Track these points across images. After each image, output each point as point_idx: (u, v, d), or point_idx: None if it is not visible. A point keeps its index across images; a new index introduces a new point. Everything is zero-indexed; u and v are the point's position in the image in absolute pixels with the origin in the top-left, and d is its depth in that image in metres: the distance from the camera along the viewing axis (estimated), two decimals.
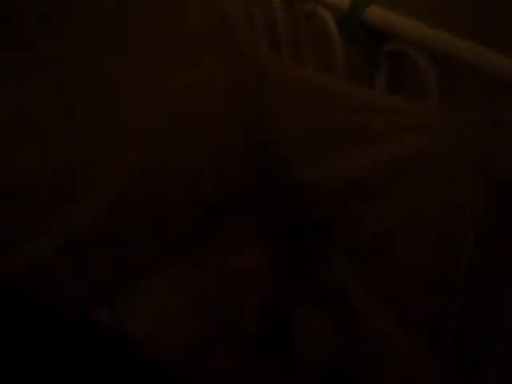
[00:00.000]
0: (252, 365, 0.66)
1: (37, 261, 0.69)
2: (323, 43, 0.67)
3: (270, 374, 0.65)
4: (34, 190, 0.66)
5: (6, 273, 0.64)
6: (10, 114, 0.61)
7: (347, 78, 0.67)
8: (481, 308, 0.50)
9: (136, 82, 0.69)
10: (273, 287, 0.76)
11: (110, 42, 0.65)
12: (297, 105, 0.70)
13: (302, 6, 0.70)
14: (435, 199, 0.54)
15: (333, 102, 0.64)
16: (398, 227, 0.61)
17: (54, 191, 0.68)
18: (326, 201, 0.77)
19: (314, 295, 0.75)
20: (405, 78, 0.61)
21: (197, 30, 0.72)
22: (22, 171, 0.65)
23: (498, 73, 0.45)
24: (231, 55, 0.76)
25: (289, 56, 0.78)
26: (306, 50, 0.74)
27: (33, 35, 0.59)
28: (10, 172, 0.63)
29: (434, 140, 0.52)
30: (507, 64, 0.44)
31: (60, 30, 0.61)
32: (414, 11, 0.54)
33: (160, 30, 0.70)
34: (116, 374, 0.52)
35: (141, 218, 0.80)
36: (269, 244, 0.80)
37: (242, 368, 0.65)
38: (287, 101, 0.73)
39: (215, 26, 0.74)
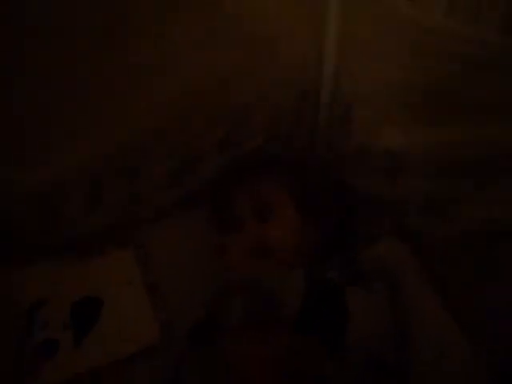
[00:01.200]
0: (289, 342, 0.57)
1: (60, 177, 0.68)
2: None
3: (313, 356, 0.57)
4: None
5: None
6: None
7: None
8: None
9: None
10: (312, 261, 0.68)
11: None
12: None
13: None
14: None
15: None
16: None
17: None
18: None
19: (359, 272, 0.68)
20: None
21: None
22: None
23: None
24: None
25: None
26: None
27: None
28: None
29: None
30: None
31: None
32: None
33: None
34: None
35: (172, 154, 0.76)
36: (308, 215, 0.71)
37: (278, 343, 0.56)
38: None
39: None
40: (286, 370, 0.53)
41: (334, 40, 0.73)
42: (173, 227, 0.86)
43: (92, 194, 0.76)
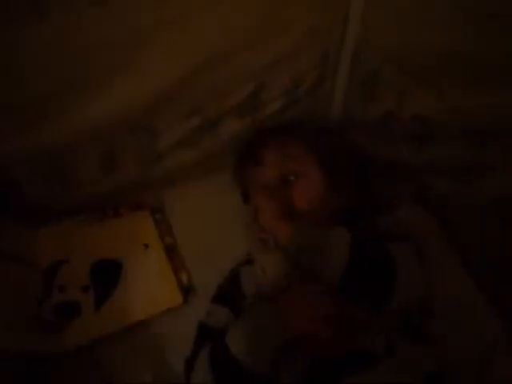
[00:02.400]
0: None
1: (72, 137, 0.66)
2: None
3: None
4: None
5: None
6: None
7: None
8: None
9: None
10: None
11: None
12: None
13: None
14: None
15: None
16: None
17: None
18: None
19: (385, 235, 0.68)
20: None
21: None
22: None
23: None
24: None
25: None
26: None
27: None
28: None
29: None
30: None
31: None
32: None
33: None
34: None
35: (190, 114, 0.73)
36: (333, 179, 0.70)
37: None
38: None
39: None
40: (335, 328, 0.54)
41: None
42: (190, 190, 0.85)
43: (106, 155, 0.74)
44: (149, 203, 0.83)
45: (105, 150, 0.73)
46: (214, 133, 0.80)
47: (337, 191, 0.70)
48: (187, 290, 0.76)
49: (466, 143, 0.66)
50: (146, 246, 0.77)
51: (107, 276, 0.74)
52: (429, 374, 0.57)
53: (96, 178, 0.75)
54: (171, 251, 0.79)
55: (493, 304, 0.66)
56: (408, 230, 0.71)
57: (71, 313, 0.70)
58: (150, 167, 0.79)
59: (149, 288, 0.73)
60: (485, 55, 0.56)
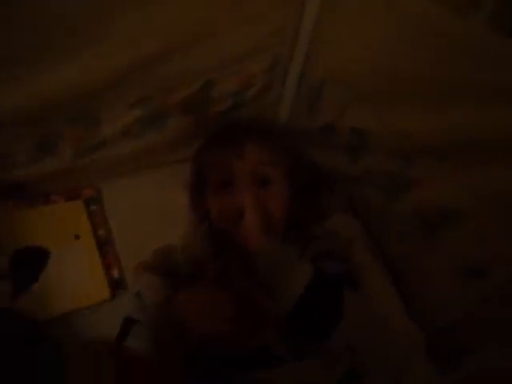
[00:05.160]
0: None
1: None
2: None
3: None
4: None
5: None
6: None
7: None
8: None
9: None
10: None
11: None
12: None
13: None
14: None
15: None
16: None
17: None
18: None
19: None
20: None
21: None
22: None
23: None
24: None
25: None
26: None
27: None
28: None
29: None
30: None
31: None
32: None
33: None
34: None
35: (135, 104, 0.72)
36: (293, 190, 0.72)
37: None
38: None
39: None
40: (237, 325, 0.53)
41: (314, 14, 0.73)
42: (130, 183, 0.83)
43: (42, 137, 0.71)
44: (86, 194, 0.80)
45: (42, 132, 0.70)
46: (157, 126, 0.79)
47: (294, 201, 0.72)
48: (117, 285, 0.73)
49: (397, 158, 0.70)
50: (77, 236, 0.75)
51: (29, 264, 0.70)
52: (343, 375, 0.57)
53: (29, 160, 0.72)
54: (104, 244, 0.76)
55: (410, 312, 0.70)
56: (338, 238, 0.73)
57: None
58: (89, 155, 0.76)
59: (75, 280, 0.70)
60: (427, 77, 0.59)
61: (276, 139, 0.77)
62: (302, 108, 0.84)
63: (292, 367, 0.55)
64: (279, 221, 0.69)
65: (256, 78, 0.81)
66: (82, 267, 0.72)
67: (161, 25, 0.63)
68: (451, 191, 0.62)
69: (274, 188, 0.70)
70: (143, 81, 0.70)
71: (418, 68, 0.59)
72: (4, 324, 0.50)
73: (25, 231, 0.72)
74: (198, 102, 0.79)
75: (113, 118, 0.73)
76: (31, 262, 0.70)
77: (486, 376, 0.58)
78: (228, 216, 0.65)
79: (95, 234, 0.76)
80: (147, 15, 0.61)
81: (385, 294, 0.68)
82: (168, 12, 0.62)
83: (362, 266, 0.70)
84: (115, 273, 0.75)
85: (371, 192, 0.77)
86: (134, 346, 0.55)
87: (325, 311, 0.57)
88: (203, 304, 0.54)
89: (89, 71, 0.64)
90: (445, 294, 0.66)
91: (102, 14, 0.58)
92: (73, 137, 0.73)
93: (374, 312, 0.63)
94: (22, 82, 0.61)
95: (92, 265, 0.73)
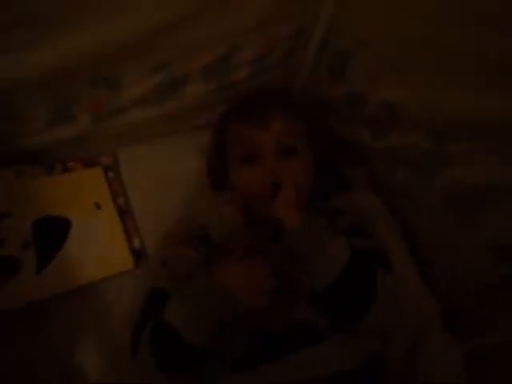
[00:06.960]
0: None
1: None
2: None
3: None
4: None
5: None
6: None
7: None
8: None
9: None
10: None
11: None
12: None
13: None
14: None
15: None
16: None
17: None
18: None
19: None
20: None
21: None
22: None
23: None
24: None
25: None
26: None
27: None
28: None
29: None
30: None
31: None
32: None
33: None
34: None
35: (155, 70, 0.70)
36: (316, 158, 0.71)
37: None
38: None
39: None
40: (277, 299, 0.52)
41: None
42: (147, 150, 0.81)
43: (60, 102, 0.68)
44: (103, 161, 0.78)
45: (59, 97, 0.67)
46: (178, 93, 0.76)
47: (317, 174, 0.71)
48: (139, 255, 0.73)
49: (426, 135, 0.68)
50: (98, 205, 0.73)
51: (51, 234, 0.69)
52: (373, 354, 0.59)
53: (46, 126, 0.69)
54: (124, 213, 0.75)
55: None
56: (360, 214, 0.72)
57: (9, 269, 0.65)
58: (108, 121, 0.74)
59: (98, 250, 0.70)
60: (465, 52, 0.57)
61: (300, 110, 0.75)
62: (323, 77, 0.82)
63: (330, 344, 0.56)
64: (305, 193, 0.68)
65: (279, 44, 0.78)
66: (104, 237, 0.71)
67: None
68: (488, 170, 0.61)
69: (300, 159, 0.69)
70: (166, 46, 0.67)
71: (456, 42, 0.57)
72: None
73: (44, 200, 0.70)
74: (219, 68, 0.76)
75: (133, 82, 0.70)
76: (53, 231, 0.69)
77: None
78: (258, 191, 0.64)
79: (115, 203, 0.75)
80: None
81: (411, 274, 0.69)
82: None
83: (387, 244, 0.69)
84: (136, 242, 0.74)
85: (397, 168, 0.76)
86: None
87: (361, 290, 0.57)
88: (243, 277, 0.53)
89: (111, 34, 0.60)
90: (475, 270, 0.66)
91: None
92: (92, 102, 0.70)
93: (403, 294, 0.64)
94: (39, 45, 0.58)
95: (114, 234, 0.72)
